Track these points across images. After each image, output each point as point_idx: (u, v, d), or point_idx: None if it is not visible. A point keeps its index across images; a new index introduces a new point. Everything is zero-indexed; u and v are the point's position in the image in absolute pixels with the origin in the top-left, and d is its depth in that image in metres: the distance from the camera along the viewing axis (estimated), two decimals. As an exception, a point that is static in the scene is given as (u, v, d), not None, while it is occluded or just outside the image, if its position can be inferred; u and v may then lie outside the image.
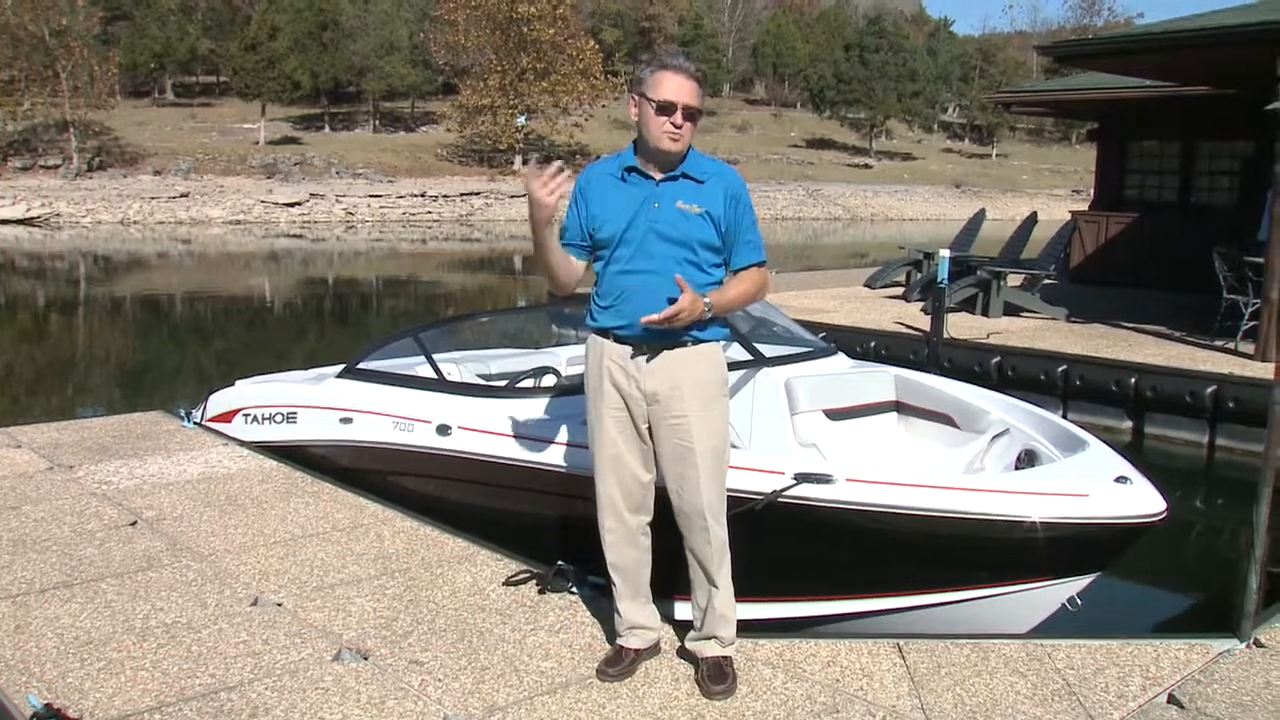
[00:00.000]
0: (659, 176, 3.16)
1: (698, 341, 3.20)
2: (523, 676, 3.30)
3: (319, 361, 6.97)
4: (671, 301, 3.03)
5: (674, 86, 3.06)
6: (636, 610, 3.39)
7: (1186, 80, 12.14)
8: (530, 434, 4.47)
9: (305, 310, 19.38)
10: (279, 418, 5.94)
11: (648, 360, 3.17)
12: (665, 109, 3.05)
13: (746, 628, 3.46)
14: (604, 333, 3.24)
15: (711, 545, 3.21)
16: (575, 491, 4.11)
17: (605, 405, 3.24)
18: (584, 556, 3.93)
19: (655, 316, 3.02)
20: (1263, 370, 7.99)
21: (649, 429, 3.24)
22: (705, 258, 3.17)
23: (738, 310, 3.55)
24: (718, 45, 77.00)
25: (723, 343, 3.34)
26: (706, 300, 3.11)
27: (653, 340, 3.15)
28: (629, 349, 3.19)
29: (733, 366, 4.15)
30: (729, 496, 3.31)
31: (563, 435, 4.34)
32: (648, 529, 3.35)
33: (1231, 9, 9.99)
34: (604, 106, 52.65)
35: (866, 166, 65.06)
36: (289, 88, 51.41)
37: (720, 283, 3.23)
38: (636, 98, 3.14)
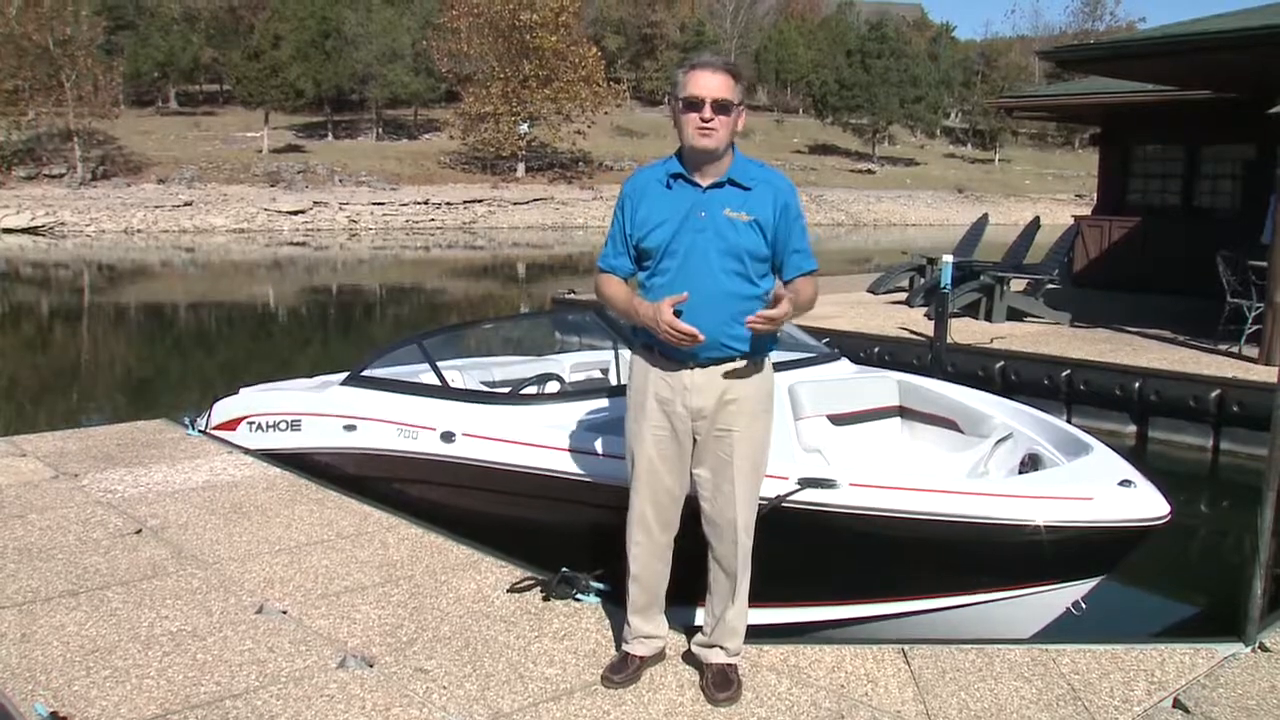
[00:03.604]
0: (705, 183, 3.09)
1: (745, 356, 3.13)
2: (527, 683, 3.30)
3: (323, 369, 6.98)
4: (740, 316, 2.99)
5: (700, 81, 3.02)
6: (647, 620, 3.37)
7: (1188, 85, 12.15)
8: (534, 441, 4.47)
9: (309, 318, 19.40)
10: (283, 425, 5.94)
11: (695, 377, 3.12)
12: (693, 104, 3.01)
13: (751, 633, 3.44)
14: (650, 348, 3.17)
15: (737, 558, 3.20)
16: (579, 498, 4.12)
17: (647, 422, 3.18)
18: (588, 563, 3.94)
19: (756, 319, 2.92)
20: (1266, 374, 7.98)
21: (692, 443, 3.19)
22: (754, 268, 3.09)
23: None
24: (720, 51, 77.09)
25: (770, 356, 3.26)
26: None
27: (700, 356, 3.09)
28: (676, 365, 3.12)
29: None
30: None
31: (567, 442, 4.35)
32: (672, 543, 3.33)
33: (1233, 13, 9.99)
34: (606, 113, 52.71)
35: (869, 172, 65.05)
36: (292, 96, 51.50)
37: (768, 293, 3.12)
38: (671, 102, 3.11)
